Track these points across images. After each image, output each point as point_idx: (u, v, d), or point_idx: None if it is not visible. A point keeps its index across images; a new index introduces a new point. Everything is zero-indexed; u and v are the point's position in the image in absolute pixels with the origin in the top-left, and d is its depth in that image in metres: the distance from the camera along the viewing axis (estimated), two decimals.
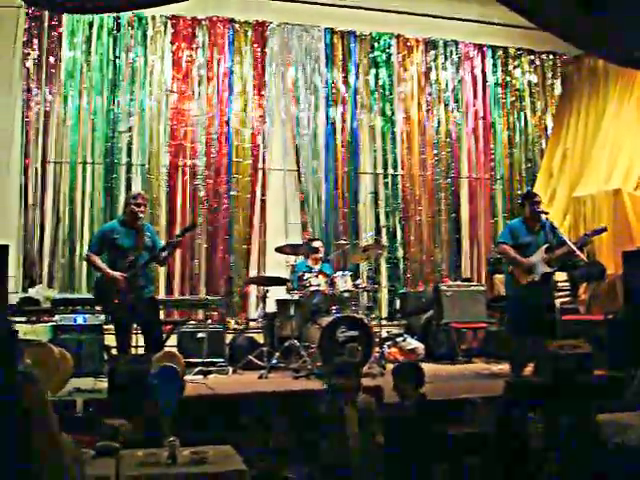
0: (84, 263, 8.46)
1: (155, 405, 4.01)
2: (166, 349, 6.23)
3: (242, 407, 5.25)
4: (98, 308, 7.19)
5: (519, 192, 10.33)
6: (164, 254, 6.25)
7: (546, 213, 7.06)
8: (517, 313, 6.63)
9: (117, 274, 5.94)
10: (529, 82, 10.81)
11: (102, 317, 7.21)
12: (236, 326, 8.78)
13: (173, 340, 7.48)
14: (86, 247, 8.37)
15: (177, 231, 8.79)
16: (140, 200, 6.17)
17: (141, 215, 6.16)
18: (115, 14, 8.83)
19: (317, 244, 8.18)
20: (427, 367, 7.64)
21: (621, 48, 6.20)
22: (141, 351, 6.26)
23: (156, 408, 3.95)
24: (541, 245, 6.54)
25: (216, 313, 8.62)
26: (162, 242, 6.59)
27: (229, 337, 8.10)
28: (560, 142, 9.98)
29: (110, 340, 7.48)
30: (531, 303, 6.44)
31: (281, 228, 9.45)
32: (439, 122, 10.27)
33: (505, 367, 6.86)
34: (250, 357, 7.41)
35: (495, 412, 4.86)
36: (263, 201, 9.44)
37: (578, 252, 6.42)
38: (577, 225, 8.62)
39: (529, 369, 6.55)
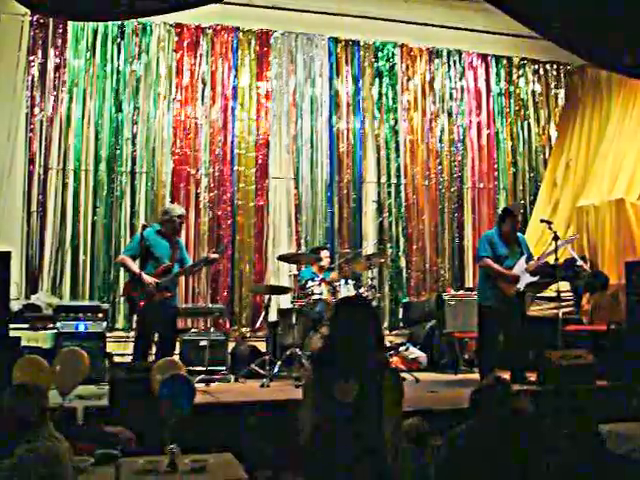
0: (87, 270, 8.60)
1: (167, 412, 3.94)
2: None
3: (243, 415, 5.25)
4: (100, 315, 7.25)
5: (522, 202, 10.34)
6: (196, 269, 7.19)
7: (550, 223, 7.12)
8: (503, 323, 6.74)
9: (149, 278, 6.36)
10: (533, 92, 10.80)
11: (104, 324, 7.24)
12: (236, 335, 8.75)
13: (175, 348, 7.47)
14: (88, 254, 8.59)
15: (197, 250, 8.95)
16: (183, 219, 6.89)
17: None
18: (119, 22, 8.86)
19: (324, 253, 8.21)
20: (430, 376, 7.72)
21: (623, 57, 6.20)
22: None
23: (166, 415, 3.89)
24: (517, 257, 6.70)
25: (221, 321, 8.78)
26: (189, 257, 7.15)
27: (231, 345, 8.10)
28: (563, 152, 9.96)
29: (112, 347, 7.54)
30: (518, 311, 6.76)
31: (284, 237, 9.44)
32: (442, 131, 10.27)
33: (507, 377, 6.82)
34: (252, 365, 7.38)
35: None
36: (267, 210, 9.43)
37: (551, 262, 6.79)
38: (580, 235, 8.58)
39: (532, 378, 6.55)
